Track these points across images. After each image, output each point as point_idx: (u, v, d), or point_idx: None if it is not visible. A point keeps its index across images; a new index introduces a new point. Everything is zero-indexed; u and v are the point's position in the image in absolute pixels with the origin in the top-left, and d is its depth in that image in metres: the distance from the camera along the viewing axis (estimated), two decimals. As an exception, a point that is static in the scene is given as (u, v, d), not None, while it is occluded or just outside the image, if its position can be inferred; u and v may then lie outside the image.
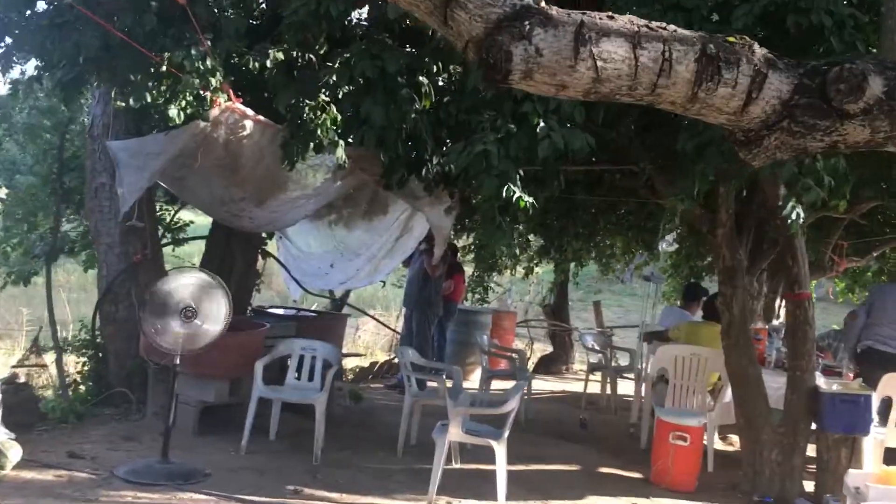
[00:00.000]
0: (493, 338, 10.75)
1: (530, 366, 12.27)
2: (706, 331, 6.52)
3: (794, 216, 3.91)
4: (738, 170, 4.15)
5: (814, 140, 2.05)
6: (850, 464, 5.43)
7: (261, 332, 6.08)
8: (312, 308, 9.46)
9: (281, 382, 5.99)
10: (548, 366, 12.15)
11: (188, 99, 4.37)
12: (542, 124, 4.32)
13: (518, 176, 4.89)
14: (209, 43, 4.39)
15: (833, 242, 8.40)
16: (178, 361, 4.98)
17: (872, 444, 5.50)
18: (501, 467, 4.89)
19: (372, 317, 11.78)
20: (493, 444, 4.88)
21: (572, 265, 11.89)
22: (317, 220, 6.90)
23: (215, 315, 5.00)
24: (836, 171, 3.55)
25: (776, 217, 5.56)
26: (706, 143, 3.89)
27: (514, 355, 8.34)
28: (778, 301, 9.73)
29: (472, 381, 9.19)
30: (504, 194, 4.85)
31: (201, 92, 4.38)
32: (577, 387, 9.92)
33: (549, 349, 12.98)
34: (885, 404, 5.66)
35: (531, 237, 11.57)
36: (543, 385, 10.29)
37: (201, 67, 4.28)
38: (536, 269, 12.62)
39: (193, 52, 4.30)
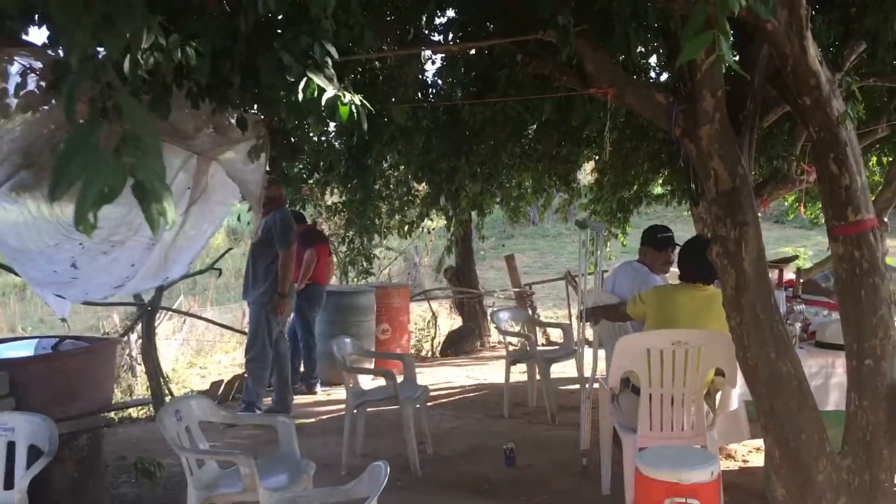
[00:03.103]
0: (383, 322, 8.26)
1: (436, 345, 9.83)
2: (686, 299, 3.99)
3: None
4: None
5: None
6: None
7: None
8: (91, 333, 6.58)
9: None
10: (458, 344, 9.68)
11: None
12: None
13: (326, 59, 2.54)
14: None
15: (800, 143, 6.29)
16: None
17: None
18: None
19: (193, 315, 9.00)
20: None
21: (473, 214, 9.28)
22: (23, 193, 4.05)
23: None
24: None
25: (806, 91, 3.13)
26: None
27: (394, 365, 5.71)
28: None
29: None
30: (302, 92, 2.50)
31: None
32: (496, 373, 7.44)
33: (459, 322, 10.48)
34: None
35: (419, 186, 8.95)
36: (453, 375, 7.80)
37: None
38: (429, 222, 9.96)
39: None
